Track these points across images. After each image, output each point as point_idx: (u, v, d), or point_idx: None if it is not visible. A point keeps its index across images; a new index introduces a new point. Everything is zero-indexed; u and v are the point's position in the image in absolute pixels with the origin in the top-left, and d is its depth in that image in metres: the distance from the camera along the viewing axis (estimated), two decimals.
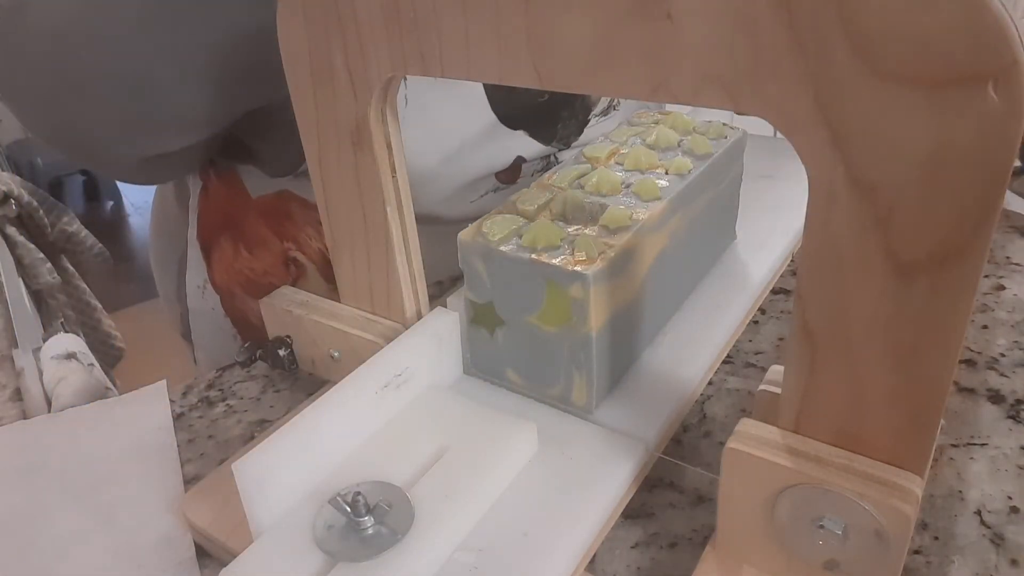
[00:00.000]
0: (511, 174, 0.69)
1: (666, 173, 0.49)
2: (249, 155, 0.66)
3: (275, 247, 0.69)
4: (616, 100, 0.70)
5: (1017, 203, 0.72)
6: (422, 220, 0.68)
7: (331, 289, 0.66)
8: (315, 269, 0.68)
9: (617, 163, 0.51)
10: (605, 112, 0.70)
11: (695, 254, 0.54)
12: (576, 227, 0.44)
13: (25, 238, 0.99)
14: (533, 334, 0.44)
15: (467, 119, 0.64)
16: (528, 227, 0.43)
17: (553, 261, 0.41)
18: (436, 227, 0.69)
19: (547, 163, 0.70)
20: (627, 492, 0.41)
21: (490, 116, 0.64)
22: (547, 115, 0.67)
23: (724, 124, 0.55)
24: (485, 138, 0.65)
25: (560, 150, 0.70)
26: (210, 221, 0.70)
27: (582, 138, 0.70)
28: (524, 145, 0.68)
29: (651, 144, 0.52)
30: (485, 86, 0.62)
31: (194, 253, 0.72)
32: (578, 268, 0.40)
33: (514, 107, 0.65)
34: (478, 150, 0.66)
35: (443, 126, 0.63)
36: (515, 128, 0.66)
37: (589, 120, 0.70)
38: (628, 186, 0.48)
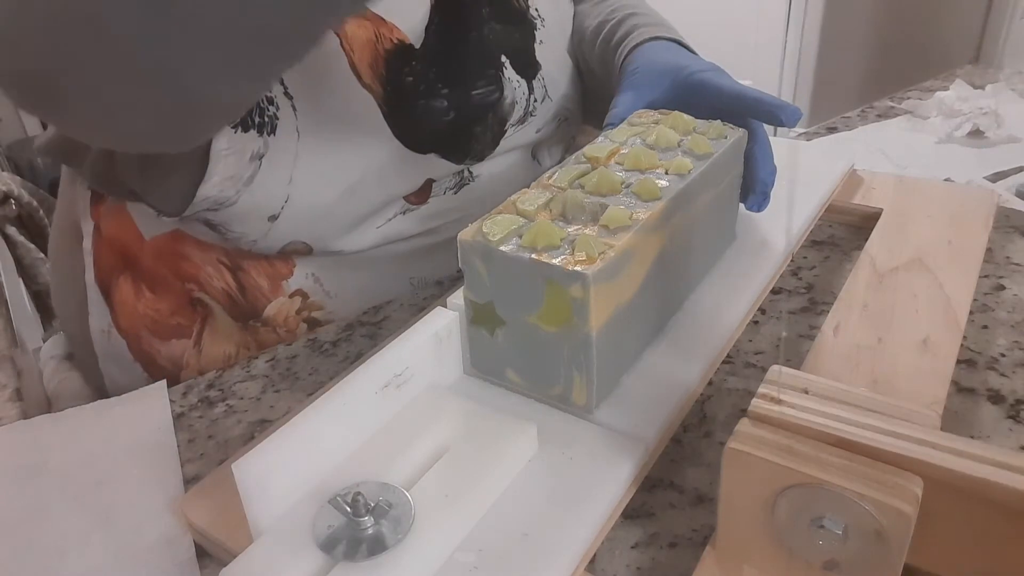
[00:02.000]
0: (421, 195, 0.65)
1: (666, 173, 0.49)
2: (135, 194, 0.61)
3: (176, 287, 0.64)
4: (532, 107, 0.67)
5: (1017, 203, 0.72)
6: (324, 254, 0.64)
7: (240, 328, 0.64)
8: (222, 309, 0.64)
9: (617, 163, 0.51)
10: (522, 120, 0.67)
11: (695, 254, 0.54)
12: (576, 227, 0.44)
13: (25, 238, 0.99)
14: (533, 334, 0.44)
15: (369, 148, 0.59)
16: (528, 227, 0.43)
17: (553, 261, 0.41)
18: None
19: (460, 179, 0.66)
20: (627, 492, 0.41)
21: (393, 143, 0.60)
22: (458, 133, 0.63)
23: (724, 124, 0.55)
24: (391, 166, 0.61)
25: (473, 164, 0.66)
26: (106, 262, 0.65)
27: (499, 148, 0.66)
28: (435, 167, 0.63)
29: (651, 144, 0.52)
30: (384, 113, 0.58)
31: (94, 296, 0.66)
32: (578, 268, 0.40)
33: (420, 130, 0.61)
34: (383, 179, 0.61)
35: (342, 157, 0.59)
36: (425, 152, 0.61)
37: (506, 131, 0.66)
38: (628, 186, 0.48)
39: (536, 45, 0.66)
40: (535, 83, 0.66)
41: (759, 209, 0.58)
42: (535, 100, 0.66)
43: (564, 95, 0.70)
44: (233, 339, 0.63)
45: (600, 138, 0.54)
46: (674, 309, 0.53)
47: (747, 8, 2.46)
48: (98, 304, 0.65)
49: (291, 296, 0.64)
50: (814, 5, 2.37)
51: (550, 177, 0.49)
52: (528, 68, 0.66)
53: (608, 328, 0.43)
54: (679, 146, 0.52)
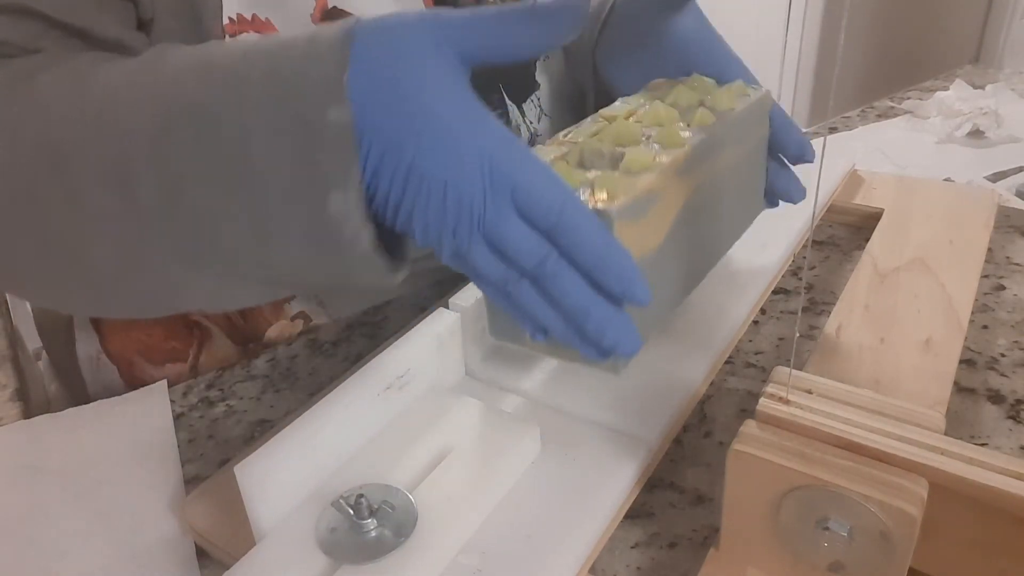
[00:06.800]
0: None
1: (688, 126, 0.45)
2: None
3: None
4: (534, 128, 0.65)
5: (1017, 203, 0.73)
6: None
7: (240, 351, 0.63)
8: (221, 332, 0.62)
9: (636, 121, 0.46)
10: (531, 143, 0.65)
11: (723, 214, 0.49)
12: (595, 173, 0.40)
13: None
14: None
15: None
16: None
17: None
18: None
19: None
20: (631, 493, 0.41)
21: None
22: None
23: (745, 84, 0.51)
24: None
25: None
26: None
27: None
28: None
29: (671, 103, 0.48)
30: None
31: (81, 321, 0.63)
32: (600, 206, 0.36)
33: None
34: None
35: None
36: None
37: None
38: (648, 137, 0.43)
39: (538, 62, 0.65)
40: (525, 106, 0.65)
41: (799, 196, 0.55)
42: (530, 122, 0.66)
43: (563, 109, 0.69)
44: (230, 361, 0.61)
45: (617, 102, 0.50)
46: (703, 272, 0.49)
47: (747, 8, 2.46)
48: (86, 329, 0.63)
49: (293, 319, 0.63)
50: (814, 5, 2.37)
51: (566, 135, 0.45)
52: (521, 92, 0.64)
53: None
54: (701, 104, 0.48)
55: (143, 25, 0.47)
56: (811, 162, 0.54)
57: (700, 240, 0.47)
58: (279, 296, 0.39)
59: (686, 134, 0.43)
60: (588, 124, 0.46)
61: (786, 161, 0.55)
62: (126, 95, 0.36)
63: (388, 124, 0.32)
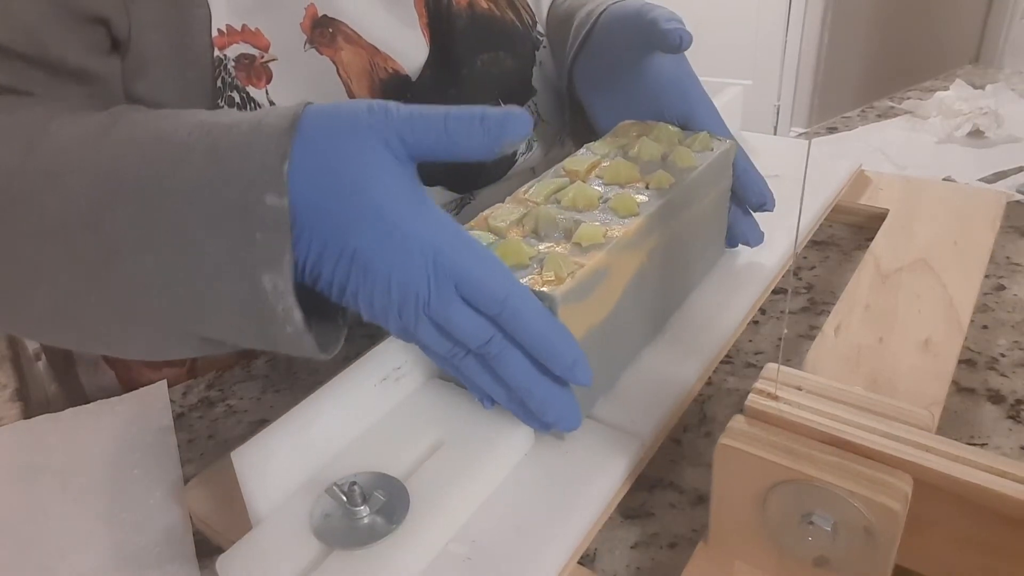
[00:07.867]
0: None
1: (647, 188, 0.47)
2: None
3: None
4: (531, 135, 0.66)
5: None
6: None
7: (237, 353, 0.59)
8: None
9: (597, 176, 0.49)
10: (528, 147, 0.65)
11: (681, 269, 0.52)
12: (548, 244, 0.42)
13: None
14: None
15: None
16: (497, 244, 0.42)
17: (520, 281, 0.39)
18: None
19: (461, 201, 0.65)
20: (622, 487, 0.41)
21: None
22: (466, 167, 0.60)
23: (711, 136, 0.53)
24: None
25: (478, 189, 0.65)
26: None
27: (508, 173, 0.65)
28: (438, 197, 0.61)
29: (633, 157, 0.50)
30: None
31: None
32: (545, 288, 0.38)
33: (425, 164, 0.59)
34: None
35: None
36: (432, 184, 0.60)
37: (516, 160, 0.64)
38: (606, 201, 0.46)
39: (535, 68, 0.65)
40: (525, 109, 0.66)
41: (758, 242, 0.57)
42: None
43: (560, 117, 0.69)
44: (229, 362, 0.61)
45: (582, 150, 0.52)
46: (660, 324, 0.51)
47: (747, 8, 2.46)
48: None
49: None
50: (814, 5, 2.37)
51: (526, 191, 0.47)
52: (520, 96, 0.65)
53: (583, 347, 0.40)
54: (662, 159, 0.50)
55: (119, 44, 0.47)
56: (771, 211, 0.56)
57: (657, 298, 0.49)
58: (219, 352, 0.40)
59: (642, 198, 0.46)
60: (551, 177, 0.49)
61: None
62: (74, 156, 0.37)
63: (331, 212, 0.34)
